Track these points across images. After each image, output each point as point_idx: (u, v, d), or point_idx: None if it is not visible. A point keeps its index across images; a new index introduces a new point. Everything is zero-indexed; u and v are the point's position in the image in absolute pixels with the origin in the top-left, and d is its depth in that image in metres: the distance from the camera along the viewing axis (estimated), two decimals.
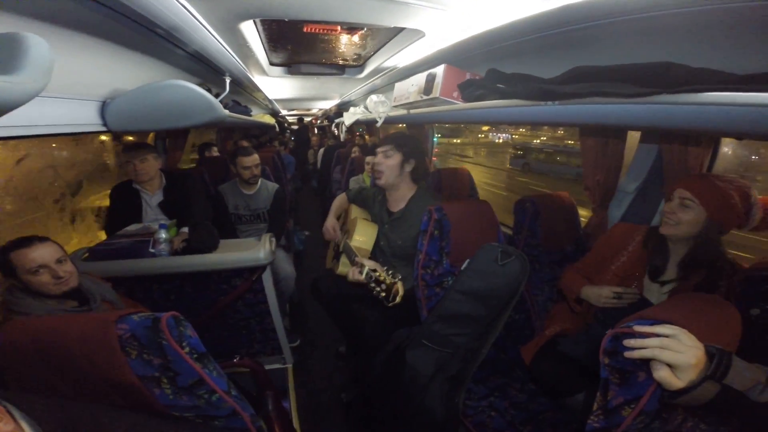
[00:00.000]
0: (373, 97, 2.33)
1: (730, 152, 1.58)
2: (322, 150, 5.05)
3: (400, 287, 1.39)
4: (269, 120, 3.50)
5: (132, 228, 1.76)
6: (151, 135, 2.77)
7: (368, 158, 2.73)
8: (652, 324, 0.66)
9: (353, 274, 1.50)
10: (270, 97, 3.17)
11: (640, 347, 0.63)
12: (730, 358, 0.63)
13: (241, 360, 1.23)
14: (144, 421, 0.64)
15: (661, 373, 0.61)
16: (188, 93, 1.31)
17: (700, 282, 1.15)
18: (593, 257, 1.42)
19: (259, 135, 5.55)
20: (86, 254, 1.58)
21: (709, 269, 1.14)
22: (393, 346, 1.50)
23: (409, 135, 1.75)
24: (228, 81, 1.84)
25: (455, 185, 2.41)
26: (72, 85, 1.07)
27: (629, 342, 0.64)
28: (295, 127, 7.31)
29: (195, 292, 1.68)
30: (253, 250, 1.61)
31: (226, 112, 1.68)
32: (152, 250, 1.61)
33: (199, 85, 1.38)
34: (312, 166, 6.22)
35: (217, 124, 1.59)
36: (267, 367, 1.92)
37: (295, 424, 1.70)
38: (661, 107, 0.73)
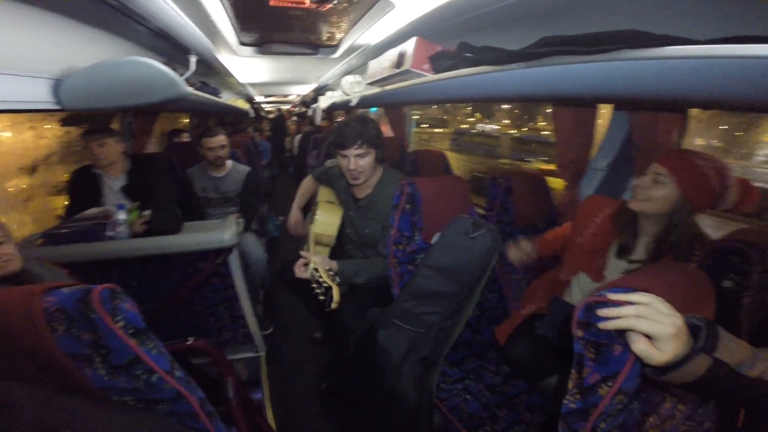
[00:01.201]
0: (349, 78, 2.27)
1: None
2: (299, 136, 4.95)
3: (335, 293, 1.32)
4: (243, 105, 3.38)
5: (91, 211, 1.67)
6: (117, 119, 2.64)
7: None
8: (626, 292, 0.61)
9: (298, 270, 1.43)
10: (242, 80, 3.05)
11: (615, 317, 0.58)
12: (717, 328, 0.60)
13: (195, 341, 1.17)
14: (83, 406, 0.58)
15: (640, 345, 0.56)
16: (148, 69, 1.23)
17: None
18: (563, 230, 1.42)
19: (234, 122, 5.39)
20: (39, 239, 1.48)
21: (678, 251, 1.11)
22: (366, 326, 1.46)
23: (374, 124, 1.60)
24: (194, 60, 1.75)
25: (431, 166, 2.39)
26: (21, 61, 0.99)
27: (604, 311, 0.59)
28: (272, 116, 7.17)
29: (158, 277, 1.60)
30: (218, 231, 1.54)
31: (190, 89, 1.59)
32: (110, 233, 1.52)
33: (164, 64, 1.31)
34: (289, 153, 6.11)
35: (179, 101, 1.50)
36: (238, 356, 1.87)
37: (269, 414, 1.66)
38: (626, 64, 0.70)
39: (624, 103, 1.40)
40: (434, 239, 1.32)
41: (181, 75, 1.61)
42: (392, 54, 1.56)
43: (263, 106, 8.12)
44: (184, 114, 4.01)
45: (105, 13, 0.99)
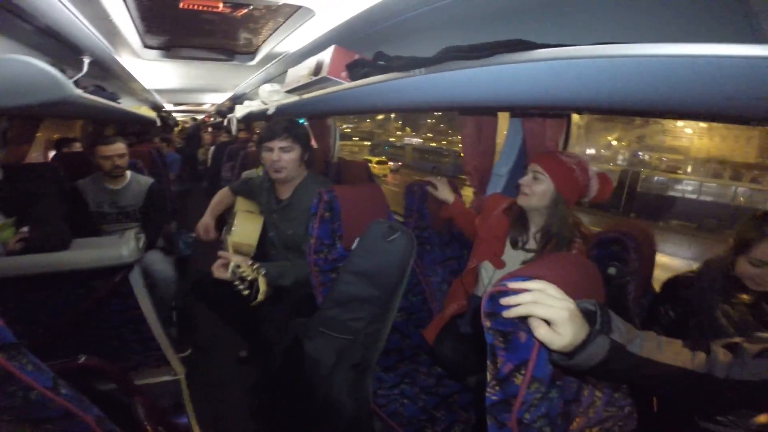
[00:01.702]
0: (267, 86, 2.24)
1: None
2: (213, 147, 4.67)
3: (261, 282, 1.30)
4: (148, 113, 3.10)
5: None
6: None
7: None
8: (524, 281, 0.63)
9: (217, 270, 1.37)
10: (147, 86, 2.81)
11: (515, 304, 0.60)
12: (609, 311, 0.63)
13: (87, 359, 1.04)
14: None
15: (541, 331, 0.58)
16: (26, 68, 1.08)
17: (553, 249, 1.29)
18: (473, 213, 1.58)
19: (138, 132, 4.89)
20: None
21: (559, 238, 1.29)
22: (291, 337, 1.42)
23: (299, 124, 1.68)
24: (87, 62, 1.59)
25: (354, 175, 2.45)
26: None
27: (505, 300, 0.61)
28: (187, 125, 6.68)
29: (43, 300, 1.38)
30: (114, 246, 1.38)
31: (78, 91, 1.43)
32: None
33: (51, 65, 1.17)
34: (203, 165, 5.73)
35: (66, 104, 1.35)
36: (154, 380, 1.68)
37: None
38: (508, 67, 0.77)
39: (513, 109, 1.59)
40: (354, 245, 1.35)
41: (71, 77, 1.46)
42: (311, 62, 1.58)
43: (174, 115, 7.51)
44: (78, 121, 3.53)
45: None
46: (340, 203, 1.44)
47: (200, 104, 5.37)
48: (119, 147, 2.06)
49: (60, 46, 1.40)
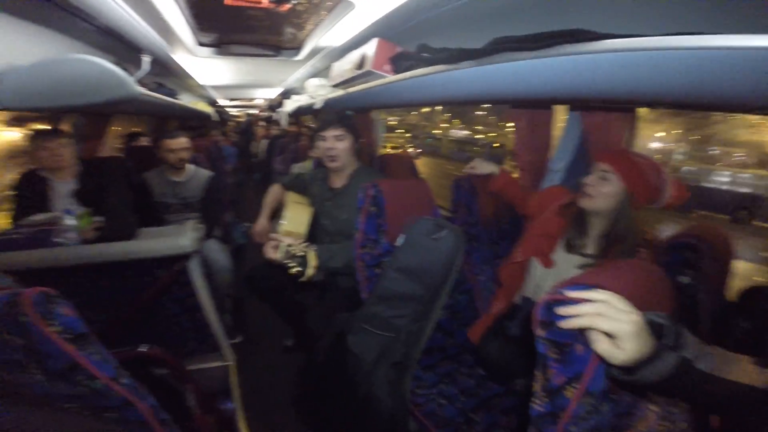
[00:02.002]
0: (313, 81, 2.26)
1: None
2: (266, 141, 4.86)
3: (311, 257, 1.35)
4: (205, 108, 3.28)
5: (37, 217, 1.56)
6: (68, 121, 2.50)
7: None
8: (585, 289, 0.59)
9: (268, 251, 1.43)
10: (202, 82, 2.96)
11: (575, 315, 0.56)
12: (680, 326, 0.59)
13: (149, 349, 1.11)
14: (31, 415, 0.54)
15: (602, 345, 0.55)
16: (93, 68, 1.18)
17: (615, 257, 1.17)
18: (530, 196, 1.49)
19: (197, 126, 5.22)
20: None
21: (623, 245, 1.17)
22: (335, 332, 1.44)
23: (350, 115, 1.71)
24: (147, 60, 1.69)
25: (398, 170, 2.41)
26: None
27: (562, 310, 0.57)
28: (241, 120, 7.03)
29: (112, 286, 1.51)
30: (174, 237, 1.48)
31: (141, 89, 1.53)
32: (57, 239, 1.43)
33: (115, 64, 1.26)
34: (255, 158, 5.99)
35: (129, 102, 1.44)
36: (205, 366, 1.79)
37: (241, 423, 1.60)
38: (568, 59, 0.72)
39: (573, 103, 1.47)
40: (398, 241, 1.33)
41: (133, 75, 1.57)
42: (354, 56, 1.57)
43: (229, 110, 7.92)
44: (143, 117, 3.83)
45: (48, 10, 0.94)
46: (385, 198, 1.42)
47: (252, 99, 5.60)
48: (183, 141, 2.19)
49: (121, 45, 1.49)
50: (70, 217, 1.46)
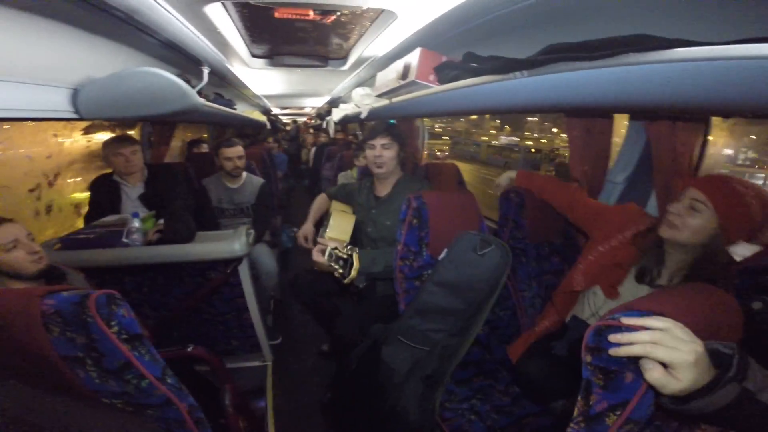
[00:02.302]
0: (359, 90, 2.28)
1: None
2: (315, 148, 5.03)
3: (356, 259, 1.37)
4: (259, 117, 3.46)
5: (109, 219, 1.73)
6: (137, 129, 2.75)
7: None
8: (641, 315, 0.57)
9: (316, 255, 1.46)
10: (257, 92, 3.13)
11: (628, 342, 0.54)
12: (747, 357, 0.56)
13: (195, 349, 1.17)
14: (69, 406, 0.59)
15: (655, 374, 0.53)
16: (159, 80, 1.28)
17: None
18: (591, 210, 1.36)
19: (252, 134, 5.53)
20: (58, 244, 1.54)
21: (702, 280, 1.01)
22: (369, 341, 1.43)
23: (395, 125, 1.79)
24: (206, 72, 1.81)
25: (442, 179, 2.36)
26: (42, 71, 1.06)
27: (615, 337, 0.56)
28: (289, 128, 7.36)
29: (169, 285, 1.63)
30: (228, 241, 1.56)
31: (201, 100, 1.64)
32: (125, 240, 1.57)
33: (178, 76, 1.36)
34: (305, 164, 6.21)
35: (191, 113, 1.55)
36: (245, 364, 1.87)
37: (270, 423, 1.64)
38: (633, 69, 0.66)
39: (636, 112, 1.35)
40: (442, 255, 1.29)
41: (195, 86, 1.68)
42: (398, 65, 1.56)
43: (281, 118, 8.32)
44: (204, 125, 4.13)
45: (118, 25, 1.03)
46: (429, 210, 1.39)
47: (302, 108, 5.83)
48: (239, 149, 2.32)
49: (183, 58, 1.60)
50: (136, 220, 1.60)
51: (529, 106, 1.10)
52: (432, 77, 1.37)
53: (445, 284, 1.23)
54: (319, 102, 4.36)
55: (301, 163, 6.54)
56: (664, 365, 0.53)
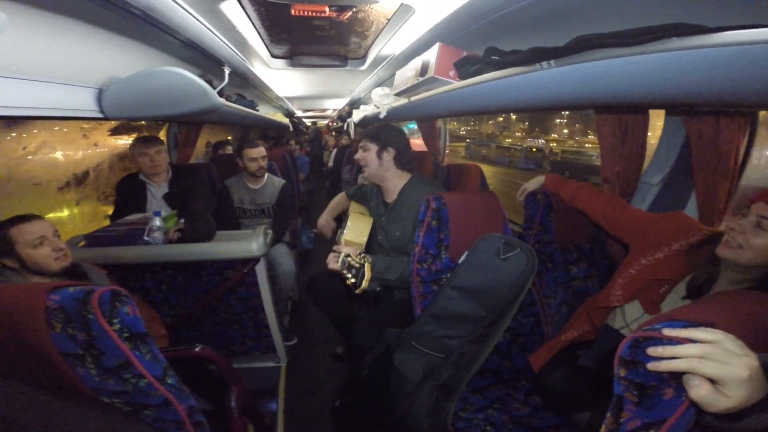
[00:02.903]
0: (378, 90, 2.26)
1: None
2: (336, 150, 5.05)
3: (367, 269, 1.31)
4: (281, 119, 3.49)
5: (132, 217, 1.77)
6: (164, 130, 2.83)
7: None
8: (686, 326, 0.52)
9: (331, 262, 1.41)
10: (279, 93, 3.16)
11: (671, 356, 0.49)
12: None
13: (202, 349, 1.16)
14: (58, 404, 0.58)
15: (701, 392, 0.47)
16: (181, 79, 1.30)
17: None
18: (633, 220, 1.25)
19: (276, 136, 5.61)
20: (83, 241, 1.58)
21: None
22: (383, 346, 1.38)
23: (386, 126, 1.69)
24: (227, 72, 1.83)
25: (465, 181, 2.29)
26: (68, 71, 1.09)
27: (655, 350, 0.50)
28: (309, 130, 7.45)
29: (187, 283, 1.65)
30: (246, 241, 1.56)
31: (222, 100, 1.65)
32: (146, 238, 1.59)
33: (200, 76, 1.37)
34: (326, 167, 6.26)
35: (212, 112, 1.56)
36: (259, 365, 1.86)
37: (280, 425, 1.63)
38: (674, 56, 0.59)
39: (678, 105, 1.23)
40: (461, 259, 1.23)
41: (216, 87, 1.70)
42: (416, 63, 1.52)
43: (304, 121, 8.43)
44: (228, 127, 4.22)
45: (140, 25, 1.04)
46: (449, 211, 1.33)
47: (324, 110, 5.88)
48: (262, 150, 2.33)
49: (204, 58, 1.61)
50: (158, 219, 1.62)
51: (559, 100, 1.03)
52: (452, 73, 1.32)
53: (464, 289, 1.17)
54: (340, 104, 4.37)
55: (322, 165, 6.60)
56: (712, 380, 0.48)
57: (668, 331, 0.51)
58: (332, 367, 2.14)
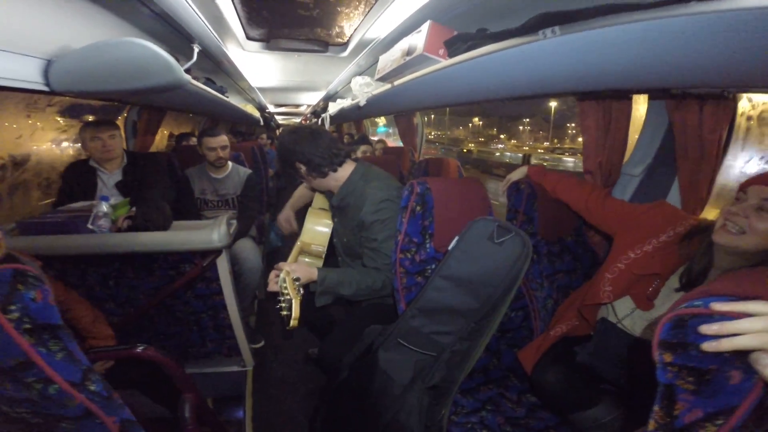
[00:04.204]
0: (359, 79, 2.16)
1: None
2: None
3: (295, 306, 1.07)
4: (252, 111, 3.31)
5: (76, 204, 1.56)
6: (122, 117, 2.60)
7: (363, 147, 2.68)
8: (736, 301, 0.45)
9: (270, 283, 1.23)
10: (251, 82, 2.98)
11: (734, 333, 0.42)
12: None
13: (144, 350, 0.99)
14: None
15: None
16: (143, 51, 1.15)
17: None
18: (617, 211, 1.22)
19: (245, 132, 5.36)
20: (14, 229, 1.36)
21: None
22: (364, 345, 1.26)
23: (281, 143, 1.45)
24: (197, 50, 1.67)
25: (444, 175, 2.23)
26: (11, 37, 0.94)
27: (710, 328, 0.43)
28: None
29: (137, 278, 1.45)
30: (206, 230, 1.39)
31: (188, 77, 1.49)
32: (90, 226, 1.39)
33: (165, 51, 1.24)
34: None
35: (176, 89, 1.41)
36: (222, 369, 1.68)
37: None
38: (700, 19, 0.53)
39: (694, 87, 1.19)
40: (452, 245, 1.14)
41: (183, 66, 1.54)
42: (403, 44, 1.43)
43: (276, 118, 8.20)
44: (195, 118, 3.96)
45: None
46: (434, 197, 1.24)
47: (298, 105, 5.70)
48: (223, 139, 2.17)
49: (173, 33, 1.46)
50: (104, 204, 1.43)
51: (559, 76, 0.97)
52: (442, 51, 1.25)
53: (455, 279, 1.08)
54: (316, 98, 4.22)
55: None
56: None
57: (719, 306, 0.44)
58: (306, 371, 1.99)
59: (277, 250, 2.94)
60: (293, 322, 1.07)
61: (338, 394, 1.27)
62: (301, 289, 1.13)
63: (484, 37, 1.03)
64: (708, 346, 0.43)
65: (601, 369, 1.09)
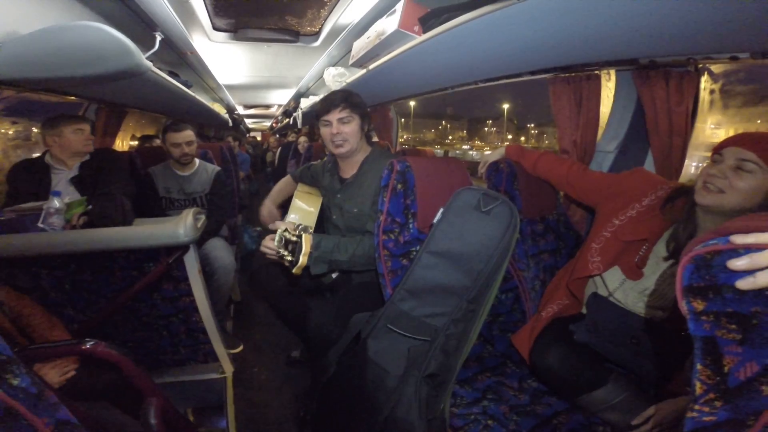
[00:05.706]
0: (332, 70, 2.13)
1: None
2: (280, 148, 4.81)
3: (305, 241, 1.14)
4: (220, 110, 3.18)
5: (27, 205, 1.41)
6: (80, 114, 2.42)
7: (302, 138, 2.61)
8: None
9: (266, 242, 1.23)
10: (218, 79, 2.86)
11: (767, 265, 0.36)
12: None
13: (93, 345, 0.88)
14: None
15: None
16: (99, 35, 1.06)
17: None
18: (597, 181, 1.23)
19: (213, 136, 5.18)
20: None
21: None
22: (350, 335, 1.18)
23: (362, 99, 1.49)
24: (159, 38, 1.57)
25: None
26: None
27: (740, 263, 0.37)
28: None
29: (96, 281, 1.32)
30: (171, 224, 1.28)
31: (149, 63, 1.40)
32: (41, 225, 1.26)
33: None
34: (271, 167, 5.94)
35: (134, 76, 1.31)
36: (199, 377, 1.56)
37: None
38: None
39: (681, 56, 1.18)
40: (437, 217, 1.08)
41: (144, 53, 1.45)
42: (378, 27, 1.40)
43: (246, 121, 8.01)
44: (159, 118, 3.76)
45: None
46: (414, 175, 1.20)
47: (268, 106, 5.55)
48: (188, 134, 2.04)
49: (133, 19, 1.37)
50: (57, 199, 1.30)
51: (536, 40, 0.95)
52: (417, 28, 1.22)
53: (443, 254, 1.03)
54: (286, 96, 4.11)
55: (266, 165, 6.28)
56: None
57: (741, 238, 0.38)
58: (290, 374, 1.89)
59: (252, 253, 2.82)
60: (303, 258, 1.14)
61: (327, 394, 1.18)
62: (308, 228, 1.19)
63: (458, 8, 1.01)
64: (744, 284, 0.37)
65: (601, 346, 1.07)
